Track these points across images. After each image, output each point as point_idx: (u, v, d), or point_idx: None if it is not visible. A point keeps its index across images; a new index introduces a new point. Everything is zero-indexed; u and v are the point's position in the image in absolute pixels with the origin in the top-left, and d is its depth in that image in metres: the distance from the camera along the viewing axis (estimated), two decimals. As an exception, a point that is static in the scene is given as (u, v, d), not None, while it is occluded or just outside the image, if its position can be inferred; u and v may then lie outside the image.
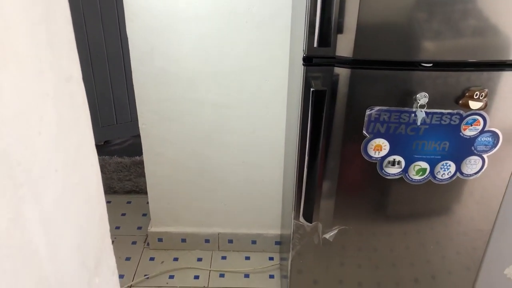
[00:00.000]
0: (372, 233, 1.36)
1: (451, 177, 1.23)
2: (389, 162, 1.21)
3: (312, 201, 1.24)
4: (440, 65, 1.11)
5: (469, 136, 1.17)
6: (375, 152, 1.19)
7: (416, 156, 1.20)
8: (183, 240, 2.00)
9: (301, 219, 1.29)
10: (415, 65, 1.11)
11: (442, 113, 1.14)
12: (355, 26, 1.05)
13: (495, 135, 1.17)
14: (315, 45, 1.03)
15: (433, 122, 1.15)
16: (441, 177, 1.23)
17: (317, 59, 1.11)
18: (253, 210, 1.93)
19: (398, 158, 1.20)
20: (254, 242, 2.00)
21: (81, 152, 0.50)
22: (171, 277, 1.88)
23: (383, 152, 1.19)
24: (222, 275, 1.90)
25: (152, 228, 1.99)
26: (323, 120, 1.12)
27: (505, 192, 1.28)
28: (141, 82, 1.66)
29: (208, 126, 1.74)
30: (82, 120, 0.50)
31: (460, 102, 1.12)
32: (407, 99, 1.13)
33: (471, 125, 1.15)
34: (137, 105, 1.71)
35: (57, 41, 0.44)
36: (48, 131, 0.42)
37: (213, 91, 1.67)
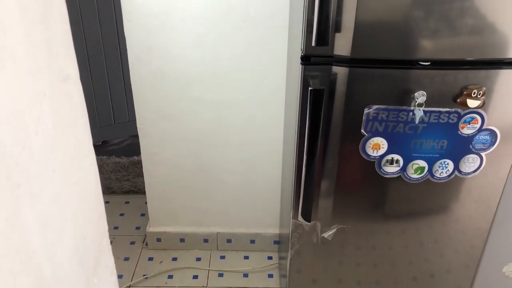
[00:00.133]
0: (370, 232, 1.36)
1: (449, 176, 1.23)
2: (387, 161, 1.21)
3: (311, 200, 1.24)
4: (438, 64, 1.11)
5: (467, 134, 1.17)
6: (373, 151, 1.19)
7: (414, 154, 1.20)
8: (182, 240, 2.00)
9: (300, 218, 1.29)
10: (413, 64, 1.11)
11: (440, 112, 1.14)
12: (353, 25, 1.05)
13: (493, 133, 1.17)
14: (313, 44, 1.03)
15: (431, 120, 1.15)
16: (439, 176, 1.23)
17: (315, 58, 1.11)
18: (252, 210, 1.93)
19: (396, 156, 1.20)
20: (252, 241, 2.00)
21: (79, 152, 0.50)
22: (170, 277, 1.88)
23: (381, 151, 1.19)
24: (221, 275, 1.90)
25: (151, 228, 1.99)
26: (321, 119, 1.12)
27: (503, 190, 1.28)
28: (139, 82, 1.66)
29: (206, 126, 1.74)
30: (80, 120, 0.50)
31: (458, 100, 1.12)
32: (405, 97, 1.13)
33: (469, 124, 1.15)
34: (135, 105, 1.71)
35: (54, 41, 0.44)
36: (45, 131, 0.42)
37: (211, 91, 1.67)
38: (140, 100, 1.70)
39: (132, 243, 2.06)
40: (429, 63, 1.11)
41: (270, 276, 1.90)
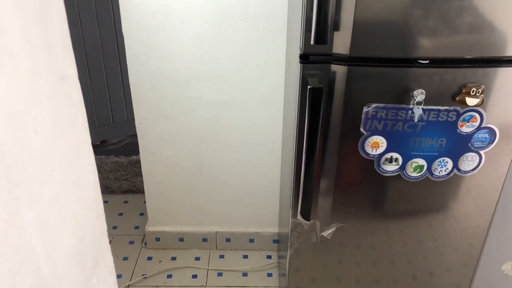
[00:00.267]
0: (369, 231, 1.36)
1: (448, 174, 1.23)
2: (386, 159, 1.21)
3: (310, 199, 1.24)
4: (437, 62, 1.11)
5: (466, 132, 1.17)
6: (372, 149, 1.19)
7: (413, 153, 1.20)
8: (181, 239, 2.00)
9: (299, 217, 1.29)
10: (411, 62, 1.11)
11: (439, 110, 1.14)
12: (352, 24, 1.04)
13: (492, 132, 1.17)
14: (312, 42, 1.03)
15: (430, 119, 1.15)
16: (438, 174, 1.23)
17: (314, 56, 1.11)
18: (251, 209, 1.93)
19: (395, 155, 1.20)
20: (252, 240, 2.00)
21: (77, 151, 0.50)
22: (169, 276, 1.88)
23: (380, 149, 1.19)
24: (220, 274, 1.90)
25: (150, 228, 1.99)
26: (320, 117, 1.12)
27: (502, 188, 1.28)
28: (137, 81, 1.66)
29: (204, 125, 1.74)
30: (78, 120, 0.50)
31: (457, 98, 1.12)
32: (404, 96, 1.13)
33: (468, 122, 1.16)
34: (133, 104, 1.71)
35: (52, 40, 0.44)
36: (44, 130, 0.42)
37: (210, 90, 1.66)
38: (138, 100, 1.69)
39: (131, 242, 2.06)
40: (428, 61, 1.11)
41: (269, 275, 1.90)
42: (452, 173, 1.23)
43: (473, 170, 1.23)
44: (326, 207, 1.30)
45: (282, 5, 1.51)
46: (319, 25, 1.01)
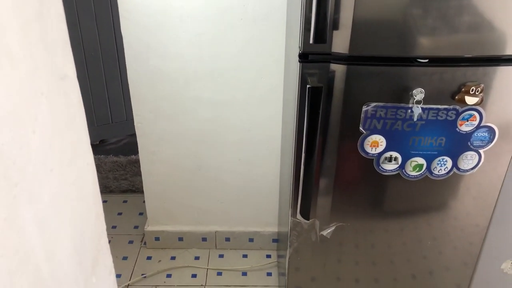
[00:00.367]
0: (369, 230, 1.36)
1: (447, 173, 1.23)
2: (385, 158, 1.21)
3: (309, 198, 1.24)
4: (436, 61, 1.11)
5: (466, 131, 1.17)
6: (372, 148, 1.19)
7: (412, 152, 1.20)
8: (180, 239, 2.00)
9: (298, 216, 1.29)
10: (411, 61, 1.11)
11: (438, 109, 1.14)
12: (351, 22, 1.04)
13: (491, 130, 1.17)
14: (311, 41, 1.03)
15: (430, 118, 1.15)
16: (437, 173, 1.23)
17: (313, 55, 1.11)
18: (250, 208, 1.93)
19: (394, 154, 1.20)
20: (251, 240, 2.00)
21: (76, 151, 0.50)
22: (169, 276, 1.88)
23: (380, 149, 1.19)
24: (219, 273, 1.90)
25: (149, 227, 1.99)
26: (320, 117, 1.12)
27: (501, 187, 1.28)
28: (136, 81, 1.65)
29: (204, 124, 1.73)
30: (77, 119, 0.50)
31: (456, 97, 1.12)
32: (403, 95, 1.13)
33: (467, 121, 1.16)
34: (132, 104, 1.70)
35: (51, 39, 0.43)
36: (42, 130, 0.41)
37: (209, 89, 1.66)
38: (137, 99, 1.69)
39: (131, 242, 2.06)
40: (427, 60, 1.10)
41: (269, 274, 1.90)
42: (452, 172, 1.23)
43: (472, 169, 1.23)
44: (326, 206, 1.30)
45: (281, 4, 1.51)
46: (318, 24, 1.01)
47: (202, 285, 1.84)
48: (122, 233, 2.11)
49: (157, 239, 2.00)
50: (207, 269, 1.91)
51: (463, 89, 1.11)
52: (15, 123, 0.37)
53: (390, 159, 1.21)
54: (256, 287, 1.83)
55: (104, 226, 0.59)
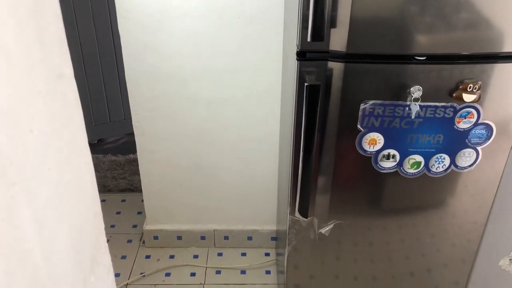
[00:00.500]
0: (367, 227, 1.36)
1: (445, 170, 1.24)
2: (383, 156, 1.21)
3: (308, 196, 1.24)
4: (434, 58, 1.11)
5: (463, 128, 1.17)
6: (370, 146, 1.19)
7: (410, 149, 1.20)
8: (179, 238, 2.00)
9: (297, 214, 1.29)
10: (408, 59, 1.11)
11: (436, 106, 1.14)
12: (349, 20, 1.04)
13: (489, 128, 1.17)
14: (309, 39, 1.03)
15: (427, 115, 1.15)
16: (435, 170, 1.23)
17: (310, 53, 1.11)
18: (249, 206, 1.93)
19: (392, 152, 1.20)
20: (250, 238, 2.00)
21: (74, 150, 0.50)
22: (167, 274, 1.88)
23: (378, 146, 1.19)
24: (218, 272, 1.90)
25: (148, 226, 1.99)
26: (318, 115, 1.12)
27: (499, 184, 1.29)
28: (134, 80, 1.65)
29: (202, 123, 1.73)
30: (75, 118, 0.50)
31: (454, 95, 1.12)
32: (401, 92, 1.13)
33: (465, 118, 1.16)
34: (130, 103, 1.70)
35: (47, 38, 0.43)
36: (40, 129, 0.41)
37: (207, 88, 1.66)
38: (135, 98, 1.69)
39: (129, 241, 2.06)
40: (424, 58, 1.11)
41: (268, 272, 1.90)
42: (449, 169, 1.24)
43: (470, 166, 1.23)
44: (324, 204, 1.30)
45: (278, 2, 1.50)
46: (316, 22, 1.01)
47: (201, 284, 1.84)
48: (121, 232, 2.10)
49: (155, 238, 2.00)
50: (206, 267, 1.91)
51: (460, 87, 1.11)
52: (12, 123, 0.37)
53: (388, 157, 1.21)
54: (255, 285, 1.83)
55: (103, 225, 0.59)
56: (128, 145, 2.71)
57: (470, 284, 1.48)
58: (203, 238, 2.00)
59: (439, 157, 1.21)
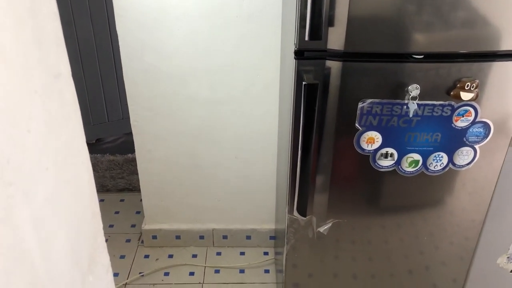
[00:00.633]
0: (366, 226, 1.37)
1: (443, 169, 1.24)
2: (381, 154, 1.21)
3: (306, 195, 1.24)
4: (431, 57, 1.11)
5: (461, 127, 1.17)
6: (368, 144, 1.19)
7: (408, 148, 1.20)
8: (178, 237, 2.00)
9: (295, 213, 1.29)
10: (406, 57, 1.11)
11: (434, 105, 1.14)
12: (346, 19, 1.04)
13: (486, 126, 1.18)
14: (306, 38, 1.03)
15: (425, 113, 1.15)
16: (433, 169, 1.24)
17: (308, 52, 1.11)
18: (247, 206, 1.93)
19: (390, 150, 1.20)
20: (248, 237, 2.00)
21: (72, 149, 0.50)
22: (166, 274, 1.88)
23: (376, 145, 1.20)
24: (217, 271, 1.90)
25: (146, 226, 1.99)
26: (316, 113, 1.12)
27: (496, 182, 1.29)
28: (132, 79, 1.65)
29: (200, 122, 1.73)
30: (72, 117, 0.50)
31: (452, 93, 1.12)
32: (399, 91, 1.13)
33: (463, 116, 1.16)
34: (128, 102, 1.70)
35: (45, 38, 0.43)
36: (37, 128, 0.41)
37: (205, 87, 1.66)
38: (133, 97, 1.69)
39: (128, 241, 2.06)
40: (422, 56, 1.11)
41: (267, 271, 1.90)
42: (447, 168, 1.24)
43: (468, 164, 1.24)
44: (322, 203, 1.30)
45: (276, 1, 1.50)
46: (314, 20, 1.01)
47: (200, 283, 1.84)
48: (120, 232, 2.10)
49: (154, 237, 2.00)
50: (205, 266, 1.91)
51: (458, 85, 1.11)
52: (9, 122, 0.37)
53: (386, 155, 1.21)
54: (254, 284, 1.83)
55: (101, 225, 0.59)
56: (126, 145, 2.71)
57: (468, 281, 1.49)
58: (201, 237, 2.00)
59: (437, 156, 1.21)
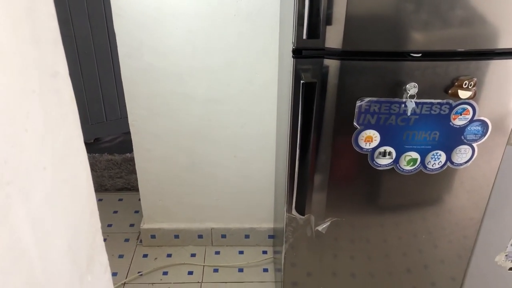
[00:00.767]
0: (364, 225, 1.37)
1: (441, 167, 1.24)
2: (380, 153, 1.21)
3: (304, 194, 1.24)
4: (429, 55, 1.11)
5: (459, 125, 1.18)
6: (366, 143, 1.19)
7: (406, 146, 1.20)
8: (176, 236, 2.00)
9: (294, 212, 1.29)
10: (404, 56, 1.11)
11: (432, 103, 1.14)
12: (344, 17, 1.04)
13: (484, 124, 1.18)
14: (304, 37, 1.03)
15: (423, 112, 1.15)
16: (431, 167, 1.24)
17: (306, 51, 1.11)
18: (246, 204, 1.93)
19: (389, 149, 1.20)
20: (247, 236, 2.00)
21: (69, 149, 0.50)
22: (165, 273, 1.88)
23: (374, 143, 1.20)
24: (216, 270, 1.90)
25: (145, 225, 1.99)
26: (314, 112, 1.12)
27: (494, 180, 1.29)
28: (130, 78, 1.65)
29: (198, 121, 1.73)
30: (70, 117, 0.49)
31: (450, 91, 1.12)
32: (397, 89, 1.13)
33: (461, 115, 1.16)
34: (126, 102, 1.70)
35: (42, 37, 0.43)
36: (35, 128, 0.41)
37: (203, 86, 1.66)
38: (131, 97, 1.69)
39: (126, 240, 2.06)
40: (420, 54, 1.11)
41: (265, 270, 1.90)
42: (446, 166, 1.24)
43: (466, 162, 1.24)
44: (321, 201, 1.30)
45: (274, 0, 1.50)
46: (311, 19, 1.01)
47: (198, 282, 1.84)
48: (118, 231, 2.10)
49: (153, 236, 2.00)
50: (204, 266, 1.91)
51: (456, 83, 1.12)
52: (7, 122, 0.37)
53: (384, 154, 1.21)
54: (253, 283, 1.84)
55: (99, 224, 0.59)
56: (124, 144, 2.71)
57: (466, 280, 1.49)
58: (200, 236, 2.00)
59: (435, 154, 1.22)
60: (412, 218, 1.36)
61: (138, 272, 1.87)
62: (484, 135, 1.20)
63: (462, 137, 1.20)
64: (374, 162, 1.22)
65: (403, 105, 1.14)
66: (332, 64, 1.11)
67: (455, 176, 1.28)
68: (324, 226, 1.34)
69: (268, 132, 1.76)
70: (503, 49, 1.10)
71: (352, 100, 1.14)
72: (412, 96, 1.12)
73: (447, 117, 1.16)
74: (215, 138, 1.77)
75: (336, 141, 1.21)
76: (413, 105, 1.13)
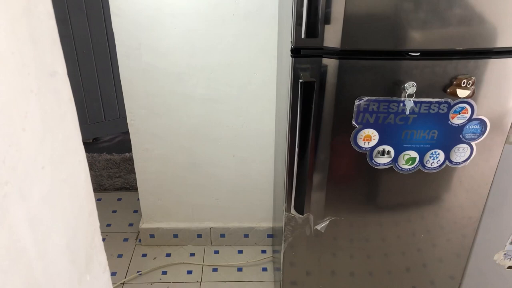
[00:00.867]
0: (363, 224, 1.37)
1: (440, 166, 1.24)
2: (378, 152, 1.21)
3: (303, 193, 1.24)
4: (428, 54, 1.11)
5: (457, 124, 1.18)
6: (365, 142, 1.20)
7: (405, 145, 1.20)
8: (175, 236, 2.00)
9: (293, 211, 1.29)
10: (402, 55, 1.11)
11: (430, 102, 1.14)
12: (343, 17, 1.04)
13: (483, 123, 1.18)
14: (303, 36, 1.03)
15: (422, 111, 1.15)
16: (430, 166, 1.24)
17: (305, 50, 1.11)
18: (245, 204, 1.93)
19: (387, 148, 1.21)
20: (246, 235, 2.00)
21: (68, 148, 0.50)
22: (164, 273, 1.88)
23: (373, 142, 1.20)
24: (215, 269, 1.90)
25: (144, 225, 1.99)
26: (312, 111, 1.12)
27: (493, 179, 1.29)
28: (129, 78, 1.65)
29: (197, 121, 1.73)
30: (68, 116, 0.49)
31: (448, 90, 1.13)
32: (395, 88, 1.13)
33: (459, 113, 1.16)
34: (125, 101, 1.70)
35: (40, 36, 0.43)
36: (33, 127, 0.41)
37: (202, 85, 1.66)
38: (130, 96, 1.68)
39: (125, 240, 2.06)
40: (418, 53, 1.11)
41: (264, 269, 1.90)
42: (444, 165, 1.24)
43: (464, 161, 1.24)
44: (320, 200, 1.30)
45: (272, -1, 1.50)
46: (310, 18, 1.01)
47: (197, 281, 1.84)
48: (117, 231, 2.10)
49: (152, 236, 2.00)
50: (203, 265, 1.92)
51: (454, 82, 1.12)
52: (4, 121, 0.37)
53: (383, 153, 1.21)
54: (252, 282, 1.84)
55: (98, 224, 0.58)
56: (123, 144, 2.71)
57: (465, 278, 1.49)
58: (199, 236, 2.00)
59: (433, 153, 1.22)
60: (411, 217, 1.36)
61: (137, 272, 1.87)
62: (483, 134, 1.20)
63: (461, 136, 1.20)
64: (373, 161, 1.22)
65: (401, 104, 1.14)
66: (330, 63, 1.11)
67: (453, 175, 1.28)
68: (323, 225, 1.34)
69: (267, 131, 1.76)
70: (502, 48, 1.10)
71: (351, 99, 1.14)
72: (410, 95, 1.12)
73: (446, 116, 1.16)
74: (214, 137, 1.77)
75: (334, 140, 1.21)
76: (412, 104, 1.13)
